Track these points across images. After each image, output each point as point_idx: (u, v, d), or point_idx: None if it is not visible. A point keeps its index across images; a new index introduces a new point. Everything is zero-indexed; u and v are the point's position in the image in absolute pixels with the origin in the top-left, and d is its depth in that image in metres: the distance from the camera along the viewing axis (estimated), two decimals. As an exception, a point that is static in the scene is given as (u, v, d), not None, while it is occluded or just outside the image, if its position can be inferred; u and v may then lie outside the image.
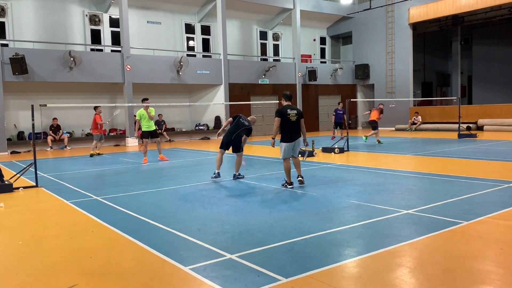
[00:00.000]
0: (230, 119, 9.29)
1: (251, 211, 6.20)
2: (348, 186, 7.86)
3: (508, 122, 20.60)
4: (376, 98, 26.50)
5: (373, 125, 16.51)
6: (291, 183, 7.84)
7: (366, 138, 17.15)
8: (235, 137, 9.00)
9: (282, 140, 7.81)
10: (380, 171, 9.54)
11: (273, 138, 7.95)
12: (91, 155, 14.79)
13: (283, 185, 7.94)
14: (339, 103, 19.61)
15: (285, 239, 4.74)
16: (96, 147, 15.10)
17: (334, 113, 19.04)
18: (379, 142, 16.29)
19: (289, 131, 7.72)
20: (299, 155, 8.29)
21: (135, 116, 19.53)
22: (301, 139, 7.88)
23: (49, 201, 7.49)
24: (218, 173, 8.82)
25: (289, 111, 7.70)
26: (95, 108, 15.25)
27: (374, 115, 16.56)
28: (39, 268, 4.23)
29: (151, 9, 22.01)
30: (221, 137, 9.33)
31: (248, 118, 9.33)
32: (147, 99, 12.70)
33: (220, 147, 9.13)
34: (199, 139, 22.41)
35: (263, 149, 16.21)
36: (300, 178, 7.92)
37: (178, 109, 23.26)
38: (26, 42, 18.15)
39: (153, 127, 12.77)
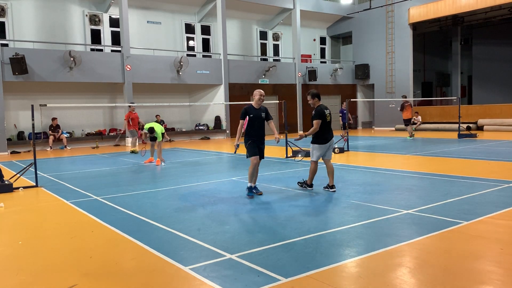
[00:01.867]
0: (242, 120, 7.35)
1: (251, 211, 6.20)
2: (348, 186, 7.86)
3: (508, 122, 20.59)
4: (376, 98, 26.51)
5: (407, 123, 18.22)
6: (311, 185, 7.57)
7: (410, 137, 18.12)
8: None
9: (316, 142, 7.25)
10: (380, 171, 9.54)
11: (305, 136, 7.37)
12: (133, 152, 14.95)
13: (300, 184, 7.66)
14: (343, 103, 19.61)
15: (285, 239, 4.74)
16: (134, 144, 15.20)
17: (341, 114, 18.93)
18: (411, 136, 17.86)
19: (324, 131, 7.17)
20: (298, 155, 8.10)
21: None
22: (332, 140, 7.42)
23: (49, 201, 7.49)
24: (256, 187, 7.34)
25: (326, 111, 7.22)
26: (130, 105, 15.40)
27: (407, 114, 18.06)
28: (39, 268, 4.23)
29: (151, 9, 22.01)
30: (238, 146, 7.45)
31: (254, 98, 7.44)
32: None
33: (254, 155, 7.28)
34: (199, 139, 22.41)
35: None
36: (332, 189, 7.29)
37: (178, 109, 23.26)
38: (26, 42, 18.15)
39: (160, 138, 12.40)
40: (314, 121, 7.17)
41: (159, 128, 12.19)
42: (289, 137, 13.16)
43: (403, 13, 24.99)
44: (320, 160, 7.44)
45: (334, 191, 7.25)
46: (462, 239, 4.65)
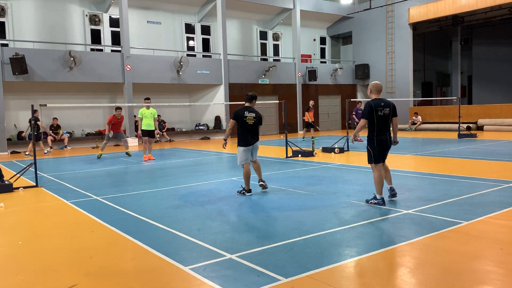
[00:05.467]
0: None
1: (251, 211, 6.20)
2: (348, 186, 7.86)
3: (508, 122, 20.59)
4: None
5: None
6: (249, 190, 7.31)
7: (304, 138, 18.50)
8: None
9: (239, 144, 7.26)
10: (380, 171, 9.51)
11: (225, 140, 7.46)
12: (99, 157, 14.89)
13: (240, 192, 7.35)
14: (358, 102, 19.59)
15: (285, 239, 4.74)
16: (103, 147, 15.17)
17: (355, 113, 18.88)
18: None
19: (246, 134, 7.17)
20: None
21: (135, 116, 19.62)
22: (258, 143, 7.34)
23: (49, 201, 7.49)
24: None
25: (246, 113, 7.17)
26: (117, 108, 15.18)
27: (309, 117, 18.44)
28: (39, 268, 4.23)
29: (151, 9, 22.01)
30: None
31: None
32: (148, 99, 12.81)
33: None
34: (199, 139, 22.41)
35: (263, 149, 16.21)
36: (261, 183, 7.47)
37: (178, 109, 23.26)
38: (26, 42, 18.15)
39: (153, 127, 12.82)
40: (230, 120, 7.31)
41: (140, 113, 12.73)
42: (289, 137, 13.16)
43: (403, 13, 24.99)
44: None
45: (264, 186, 7.44)
46: (462, 239, 4.65)
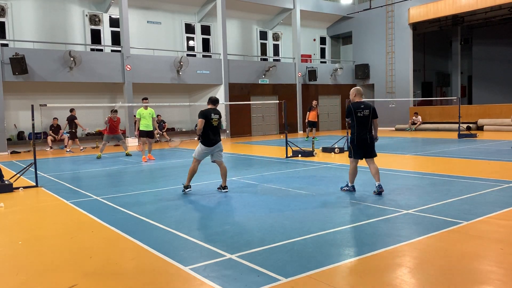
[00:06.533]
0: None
1: (251, 211, 6.20)
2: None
3: (508, 122, 20.57)
4: (376, 98, 26.50)
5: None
6: (188, 187, 7.64)
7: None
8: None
9: (202, 142, 7.58)
10: (380, 171, 9.47)
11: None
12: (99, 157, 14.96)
13: (183, 191, 7.63)
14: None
15: (285, 239, 4.74)
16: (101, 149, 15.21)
17: None
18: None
19: (209, 134, 7.48)
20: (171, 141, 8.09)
21: (134, 116, 19.62)
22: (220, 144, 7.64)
23: (49, 201, 7.49)
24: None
25: (212, 115, 7.51)
26: (112, 110, 15.34)
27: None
28: (39, 268, 4.23)
29: (151, 9, 22.01)
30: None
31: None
32: (146, 99, 12.79)
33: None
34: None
35: (263, 149, 16.21)
36: (220, 188, 7.70)
37: (178, 109, 23.26)
38: (26, 42, 18.15)
39: (151, 127, 12.81)
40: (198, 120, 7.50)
41: (138, 113, 12.77)
42: (289, 137, 13.16)
43: (403, 13, 24.99)
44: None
45: (227, 191, 7.58)
46: (462, 239, 4.65)
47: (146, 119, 12.63)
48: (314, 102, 19.31)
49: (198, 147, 7.69)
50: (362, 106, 6.96)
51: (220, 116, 7.74)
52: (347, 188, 7.36)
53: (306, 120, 18.71)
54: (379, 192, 6.95)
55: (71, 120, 17.37)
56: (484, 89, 28.54)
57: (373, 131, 7.06)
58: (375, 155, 7.15)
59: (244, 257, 4.23)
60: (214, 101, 7.73)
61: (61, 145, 18.47)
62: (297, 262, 4.05)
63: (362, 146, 6.99)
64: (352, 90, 7.23)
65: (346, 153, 13.24)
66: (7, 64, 16.62)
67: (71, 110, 17.59)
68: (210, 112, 7.57)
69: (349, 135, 7.30)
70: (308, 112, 18.76)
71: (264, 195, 7.31)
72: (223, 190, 7.66)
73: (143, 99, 12.82)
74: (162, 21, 22.43)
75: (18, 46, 18.02)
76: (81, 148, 17.68)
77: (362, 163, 7.43)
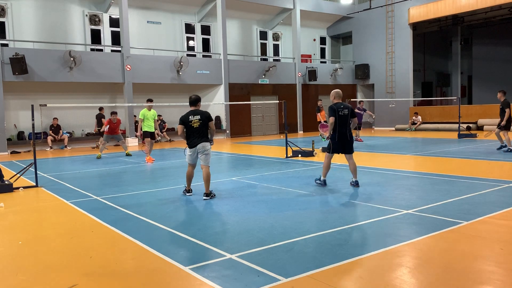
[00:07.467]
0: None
1: (251, 211, 6.20)
2: (348, 186, 7.86)
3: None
4: (376, 98, 26.52)
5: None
6: (189, 191, 7.49)
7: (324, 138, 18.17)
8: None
9: (187, 146, 7.42)
10: (380, 171, 9.53)
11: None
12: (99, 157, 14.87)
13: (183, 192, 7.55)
14: (359, 102, 19.48)
15: (285, 239, 4.74)
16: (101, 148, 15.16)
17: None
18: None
19: (191, 137, 7.28)
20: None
21: (135, 116, 19.63)
22: (204, 144, 7.25)
23: (49, 201, 7.49)
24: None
25: (191, 117, 7.22)
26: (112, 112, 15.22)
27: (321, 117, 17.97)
28: (39, 268, 4.23)
29: (151, 9, 22.01)
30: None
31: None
32: (151, 100, 12.73)
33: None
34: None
35: (263, 149, 16.22)
36: (205, 197, 7.14)
37: (178, 109, 23.19)
38: (26, 42, 18.15)
39: (153, 128, 12.74)
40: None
41: (141, 114, 12.64)
42: (289, 137, 13.16)
43: (403, 13, 24.99)
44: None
45: (207, 199, 7.07)
46: (462, 239, 4.65)
47: (149, 120, 12.57)
48: (320, 102, 19.27)
49: (185, 151, 7.56)
50: (342, 106, 7.66)
51: (203, 116, 7.26)
52: (319, 182, 7.95)
53: (323, 121, 17.68)
54: (355, 185, 7.69)
55: (100, 119, 17.34)
56: (484, 89, 28.53)
57: (351, 125, 7.78)
58: (353, 151, 7.82)
59: (244, 257, 4.23)
60: (192, 102, 7.43)
61: (61, 145, 18.47)
62: (297, 262, 4.05)
63: (342, 142, 7.65)
64: (332, 92, 7.87)
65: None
66: (7, 64, 16.62)
67: (100, 108, 17.74)
68: (189, 115, 7.26)
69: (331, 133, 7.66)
70: (318, 114, 18.62)
71: (264, 195, 7.30)
72: (206, 198, 7.10)
73: (147, 100, 12.75)
74: (162, 21, 22.43)
75: (18, 46, 18.02)
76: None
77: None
